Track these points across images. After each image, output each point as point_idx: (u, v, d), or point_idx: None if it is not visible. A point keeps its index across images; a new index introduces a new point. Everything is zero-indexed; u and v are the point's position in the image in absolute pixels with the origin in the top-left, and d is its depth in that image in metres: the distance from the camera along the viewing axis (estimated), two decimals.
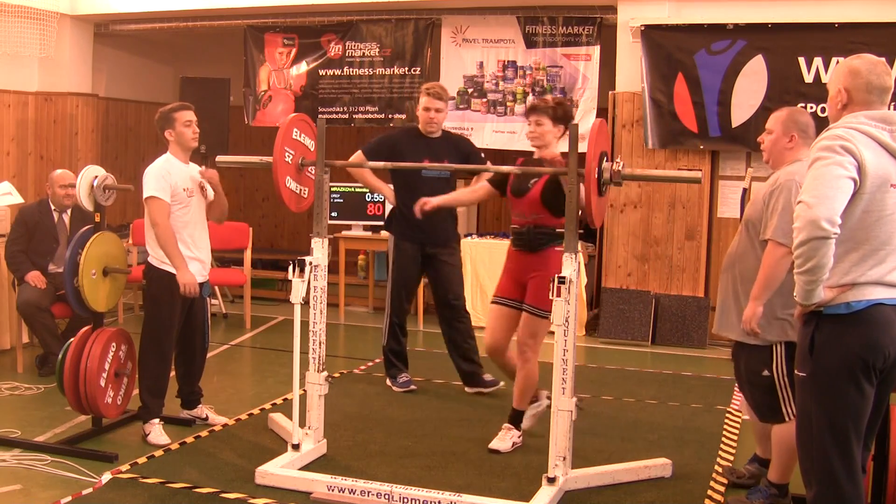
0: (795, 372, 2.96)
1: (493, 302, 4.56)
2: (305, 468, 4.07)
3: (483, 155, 5.52)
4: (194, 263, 4.57)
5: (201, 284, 4.66)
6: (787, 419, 3.61)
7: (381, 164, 4.62)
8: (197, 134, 4.63)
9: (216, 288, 4.78)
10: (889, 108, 2.94)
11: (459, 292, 5.51)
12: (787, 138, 3.64)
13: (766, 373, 3.64)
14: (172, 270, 4.48)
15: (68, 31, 8.54)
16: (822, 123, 3.01)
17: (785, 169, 3.62)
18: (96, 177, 4.63)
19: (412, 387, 5.51)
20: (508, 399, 5.21)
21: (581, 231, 3.85)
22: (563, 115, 4.38)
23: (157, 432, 4.51)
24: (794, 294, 2.84)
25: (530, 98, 7.86)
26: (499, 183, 4.55)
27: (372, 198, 8.20)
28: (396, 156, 5.13)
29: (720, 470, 4.19)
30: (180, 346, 4.72)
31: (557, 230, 4.21)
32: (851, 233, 2.80)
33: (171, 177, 4.50)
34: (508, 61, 7.94)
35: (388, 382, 5.58)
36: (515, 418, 4.44)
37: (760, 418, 3.80)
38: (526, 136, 4.51)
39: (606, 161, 3.84)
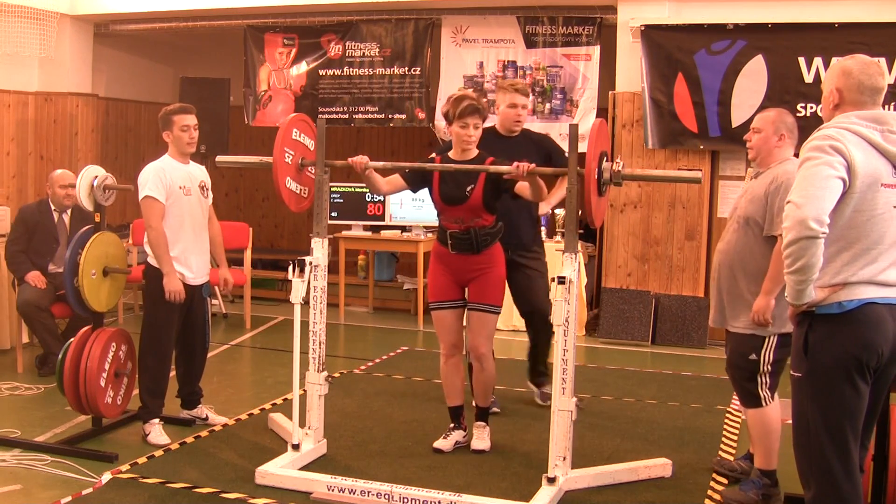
0: (791, 373, 2.97)
1: (439, 308, 4.37)
2: (305, 468, 4.06)
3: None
4: (193, 261, 4.58)
5: (201, 285, 4.67)
6: (763, 404, 3.75)
7: (380, 163, 4.58)
8: (194, 139, 4.61)
9: (216, 288, 4.77)
10: (889, 109, 2.95)
11: (536, 300, 4.98)
12: (777, 137, 3.80)
13: (752, 356, 3.73)
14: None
15: (68, 31, 8.55)
16: (821, 123, 3.02)
17: (782, 167, 3.75)
18: (96, 177, 4.63)
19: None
20: (509, 402, 5.25)
21: (581, 231, 3.85)
22: (485, 115, 4.29)
23: (156, 432, 4.51)
24: (786, 294, 2.85)
25: (530, 98, 7.85)
26: (415, 180, 4.32)
27: (372, 198, 8.19)
28: None
29: (717, 469, 4.20)
30: (180, 345, 4.73)
31: (499, 222, 4.29)
32: (842, 232, 2.81)
33: (166, 175, 4.50)
34: (508, 61, 7.95)
35: None
36: (483, 415, 4.49)
37: (744, 404, 3.89)
38: (464, 138, 4.18)
39: (606, 161, 3.84)
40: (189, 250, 4.57)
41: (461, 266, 4.31)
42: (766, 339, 3.71)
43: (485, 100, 5.37)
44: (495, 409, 4.86)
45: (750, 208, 3.78)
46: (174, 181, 4.51)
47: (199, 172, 4.72)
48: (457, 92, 4.41)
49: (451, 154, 4.32)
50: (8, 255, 5.94)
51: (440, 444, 4.41)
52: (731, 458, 4.29)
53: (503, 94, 4.91)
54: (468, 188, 4.20)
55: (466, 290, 4.35)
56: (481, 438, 4.44)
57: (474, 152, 4.27)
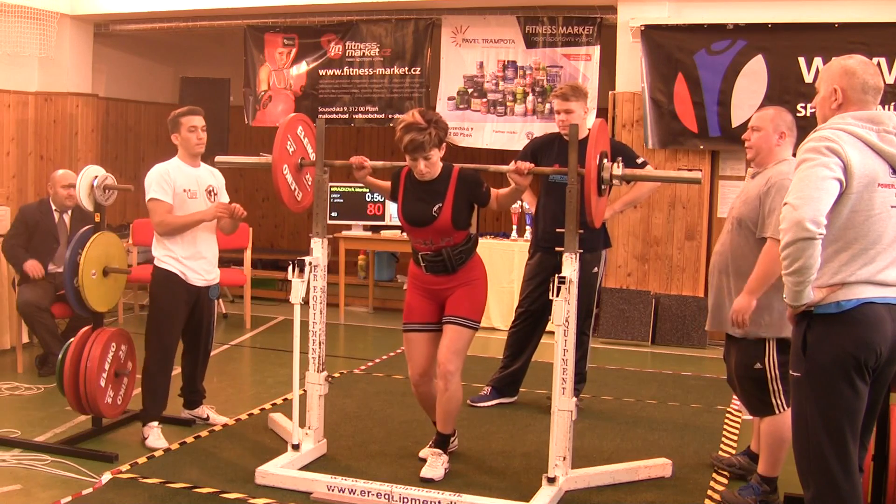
0: (790, 372, 2.98)
1: (411, 330, 4.10)
2: (305, 468, 4.07)
3: (640, 160, 5.02)
4: (200, 262, 4.57)
5: (209, 287, 4.65)
6: (777, 412, 3.68)
7: (380, 163, 4.57)
8: (202, 140, 4.60)
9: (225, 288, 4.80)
10: (888, 109, 2.95)
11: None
12: (778, 135, 3.76)
13: (758, 366, 3.69)
14: (175, 270, 4.48)
15: (68, 31, 8.55)
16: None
17: (776, 168, 3.71)
18: (96, 177, 4.63)
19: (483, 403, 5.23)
20: (511, 404, 5.23)
21: (581, 231, 3.85)
22: (440, 139, 3.90)
23: (154, 436, 4.48)
24: (784, 295, 2.85)
25: (530, 98, 7.87)
26: (391, 193, 4.18)
27: (372, 198, 8.19)
28: (535, 162, 4.70)
29: (715, 465, 4.21)
30: (184, 346, 4.72)
31: (471, 236, 4.06)
32: (840, 233, 2.82)
33: (170, 177, 4.49)
34: (508, 61, 7.95)
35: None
36: (442, 442, 4.10)
37: (752, 412, 3.87)
38: (416, 171, 3.95)
39: (606, 161, 3.84)
40: (194, 253, 4.55)
41: (439, 284, 4.05)
42: (766, 345, 3.67)
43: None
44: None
45: (743, 210, 3.76)
46: (178, 184, 4.50)
47: (208, 176, 4.69)
48: (407, 116, 3.91)
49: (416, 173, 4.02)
50: (6, 248, 5.94)
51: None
52: (730, 455, 4.29)
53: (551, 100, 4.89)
54: (435, 208, 3.94)
55: (444, 307, 4.06)
56: (433, 466, 4.01)
57: (438, 170, 3.99)
